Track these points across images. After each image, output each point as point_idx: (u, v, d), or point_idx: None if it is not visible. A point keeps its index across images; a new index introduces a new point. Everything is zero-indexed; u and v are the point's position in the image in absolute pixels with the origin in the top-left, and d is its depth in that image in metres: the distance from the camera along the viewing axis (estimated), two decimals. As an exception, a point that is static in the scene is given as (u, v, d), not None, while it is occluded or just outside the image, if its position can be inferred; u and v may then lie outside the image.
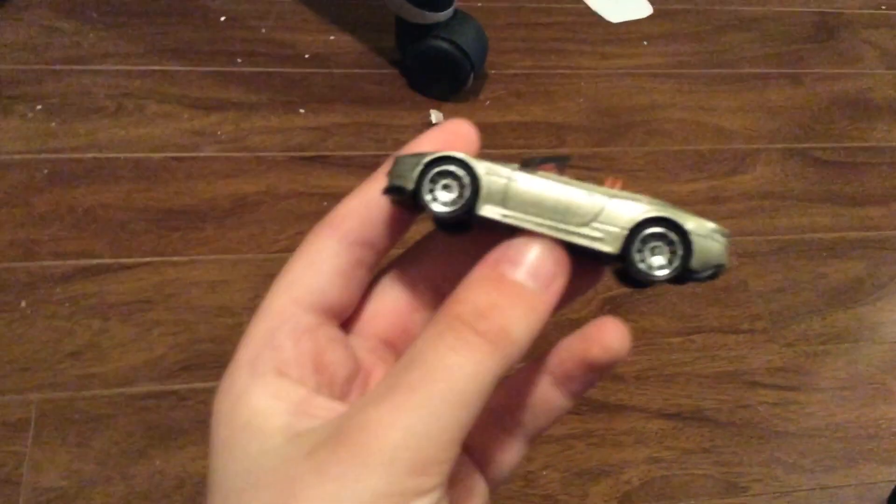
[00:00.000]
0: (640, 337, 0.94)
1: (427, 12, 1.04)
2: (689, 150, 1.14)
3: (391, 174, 0.26)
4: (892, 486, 0.85)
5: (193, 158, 1.00)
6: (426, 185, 0.25)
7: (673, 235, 0.24)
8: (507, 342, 0.23)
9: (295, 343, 0.25)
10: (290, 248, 0.95)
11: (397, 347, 0.28)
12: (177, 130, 1.03)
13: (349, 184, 1.03)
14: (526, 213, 0.24)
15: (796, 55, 1.31)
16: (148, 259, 0.90)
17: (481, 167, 0.25)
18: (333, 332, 0.27)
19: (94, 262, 0.89)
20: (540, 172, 0.25)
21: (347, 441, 0.21)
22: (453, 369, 0.22)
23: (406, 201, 0.26)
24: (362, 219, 0.27)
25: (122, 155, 0.99)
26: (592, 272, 0.27)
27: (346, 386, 0.26)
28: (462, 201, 0.25)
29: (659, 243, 0.24)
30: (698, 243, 0.24)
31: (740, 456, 0.87)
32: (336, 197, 1.07)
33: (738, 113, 1.21)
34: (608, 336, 0.26)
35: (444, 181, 0.25)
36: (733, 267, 1.02)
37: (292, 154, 1.03)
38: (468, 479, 0.27)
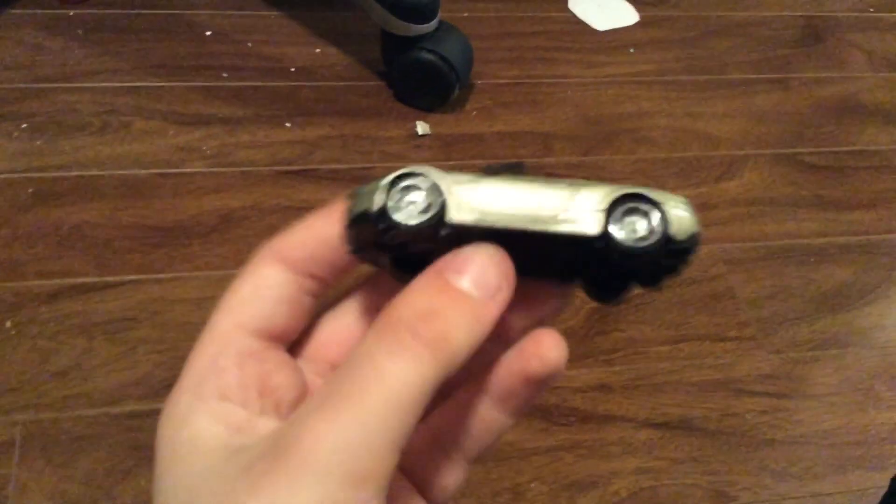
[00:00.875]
0: (628, 346, 0.94)
1: (412, 24, 1.04)
2: (677, 158, 1.14)
3: (351, 207, 0.25)
4: (881, 493, 0.85)
5: (179, 174, 1.00)
6: (393, 201, 0.24)
7: (648, 207, 0.24)
8: (447, 349, 0.22)
9: (239, 367, 0.25)
10: (277, 263, 0.95)
11: None
12: (162, 146, 1.03)
13: (335, 197, 1.03)
14: (497, 215, 0.24)
15: (783, 60, 1.31)
16: (133, 277, 0.90)
17: (446, 177, 0.25)
18: (280, 355, 0.27)
19: (79, 280, 0.89)
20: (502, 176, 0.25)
21: (281, 455, 0.21)
22: (389, 376, 0.21)
23: (366, 237, 0.25)
24: (312, 254, 0.26)
25: (107, 172, 0.99)
26: (560, 295, 0.27)
27: (294, 409, 0.26)
28: (433, 211, 0.24)
29: (635, 217, 0.25)
30: (672, 212, 0.25)
31: (729, 465, 0.87)
32: None
33: (726, 119, 1.21)
34: (545, 348, 0.25)
35: (410, 196, 0.24)
36: (721, 274, 1.02)
37: (278, 168, 1.03)
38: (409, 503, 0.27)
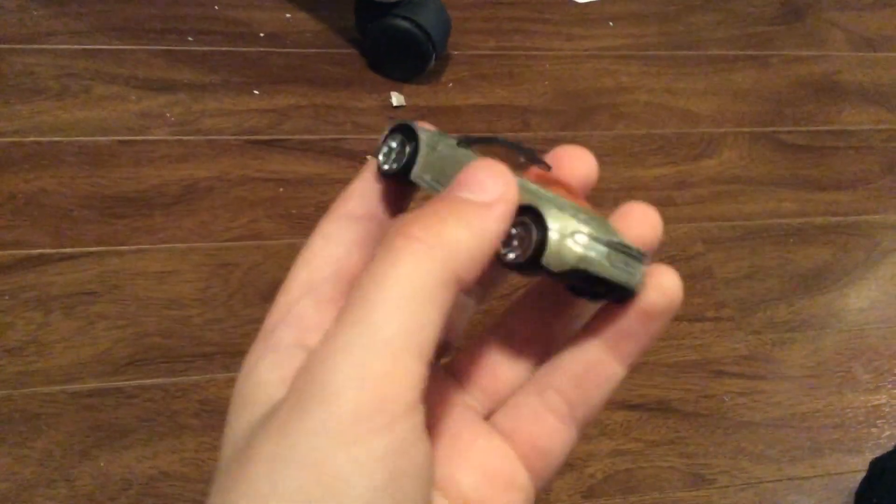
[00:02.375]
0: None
1: (387, -10, 1.00)
2: (656, 134, 1.12)
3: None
4: (857, 476, 0.84)
5: (142, 142, 0.96)
6: (383, 149, 0.28)
7: (533, 227, 0.23)
8: (444, 245, 0.21)
9: (318, 312, 0.25)
10: (245, 237, 0.92)
11: None
12: (124, 113, 0.98)
13: (307, 169, 0.99)
14: (438, 181, 0.26)
15: (763, 37, 1.29)
16: (92, 249, 0.86)
17: (426, 136, 0.27)
18: None
19: (36, 252, 0.85)
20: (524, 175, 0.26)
21: (296, 399, 0.21)
22: (388, 283, 0.21)
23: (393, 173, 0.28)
24: (362, 195, 0.28)
25: (65, 139, 0.94)
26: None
27: None
28: (400, 163, 0.27)
29: (519, 230, 0.24)
30: (557, 242, 0.23)
31: (706, 447, 0.85)
32: (293, 183, 1.03)
33: (705, 96, 1.19)
34: (665, 279, 0.24)
35: (394, 145, 0.28)
36: (699, 253, 1.01)
37: (246, 137, 0.99)
38: (506, 470, 0.26)
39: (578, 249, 0.23)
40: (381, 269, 0.21)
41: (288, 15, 1.12)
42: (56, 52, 1.02)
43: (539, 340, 0.28)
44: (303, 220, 0.93)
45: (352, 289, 0.22)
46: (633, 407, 0.87)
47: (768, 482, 0.84)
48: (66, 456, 0.74)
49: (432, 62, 1.07)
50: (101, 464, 0.75)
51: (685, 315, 0.94)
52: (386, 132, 0.28)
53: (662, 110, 1.15)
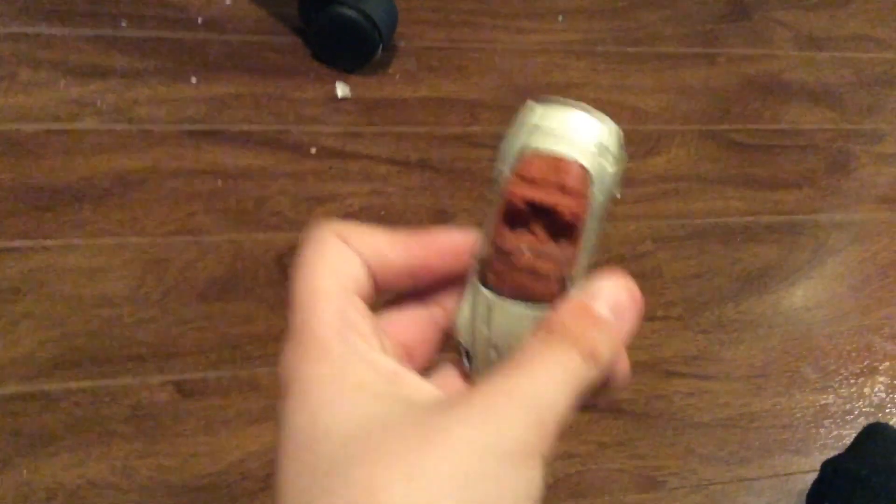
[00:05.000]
0: (555, 326, 0.90)
1: (332, -23, 0.97)
2: (605, 131, 1.10)
3: None
4: (806, 477, 0.84)
5: (70, 131, 0.90)
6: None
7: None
8: (596, 360, 0.26)
9: (366, 322, 0.27)
10: (180, 232, 0.87)
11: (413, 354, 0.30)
12: (52, 100, 0.93)
13: (247, 161, 0.94)
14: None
15: (711, 34, 1.29)
16: (16, 243, 0.81)
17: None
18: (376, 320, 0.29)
19: (-48, 246, 0.79)
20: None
21: (478, 398, 0.24)
22: (551, 372, 0.25)
23: None
24: (377, 251, 0.30)
25: (-13, 126, 0.88)
26: None
27: (423, 365, 0.30)
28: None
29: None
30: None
31: (656, 449, 0.84)
32: (232, 175, 0.97)
33: (654, 93, 1.18)
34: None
35: None
36: (649, 251, 1.00)
37: (182, 127, 0.94)
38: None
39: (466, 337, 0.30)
40: (553, 354, 0.26)
41: (227, 1, 1.08)
42: (-22, 34, 0.96)
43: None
44: (242, 215, 0.89)
45: (530, 349, 0.26)
46: (583, 408, 0.85)
47: (718, 483, 0.83)
48: (-16, 465, 0.69)
49: (379, 53, 1.04)
50: (24, 473, 0.70)
51: (635, 314, 0.93)
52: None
53: (612, 107, 1.14)
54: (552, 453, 0.25)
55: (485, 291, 0.28)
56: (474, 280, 0.29)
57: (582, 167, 0.27)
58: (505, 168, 0.28)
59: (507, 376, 0.25)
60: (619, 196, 0.29)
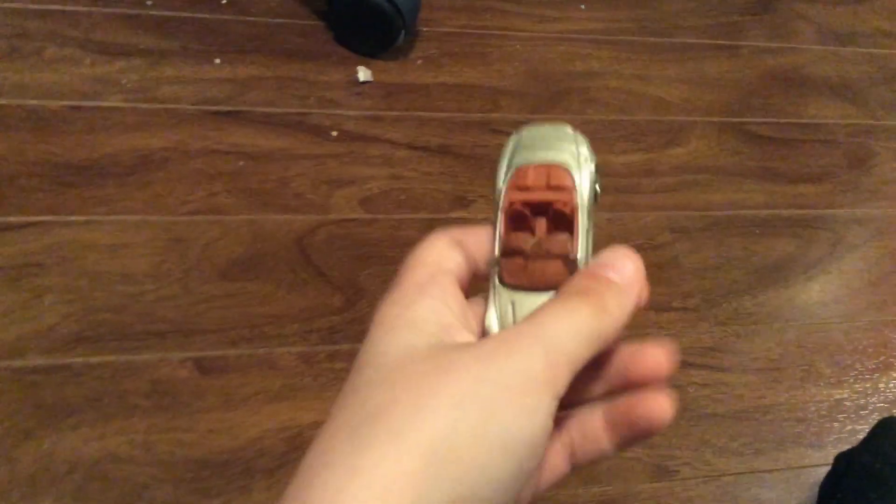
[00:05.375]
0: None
1: (356, -39, 0.97)
2: (626, 121, 1.10)
3: None
4: (818, 470, 0.84)
5: (95, 108, 0.91)
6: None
7: None
8: (607, 315, 0.30)
9: (453, 288, 0.32)
10: (201, 211, 0.88)
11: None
12: (77, 77, 0.93)
13: (269, 143, 0.94)
14: None
15: (734, 27, 1.28)
16: (40, 218, 0.82)
17: None
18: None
19: (-22, 220, 0.80)
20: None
21: (513, 337, 0.28)
22: (570, 319, 0.29)
23: None
24: (480, 251, 0.34)
25: (13, 102, 0.89)
26: None
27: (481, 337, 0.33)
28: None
29: None
30: None
31: (669, 439, 0.84)
32: (254, 157, 0.97)
33: (675, 84, 1.17)
34: (656, 406, 0.31)
35: None
36: (667, 242, 1.00)
37: (205, 108, 0.95)
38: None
39: None
40: (566, 307, 0.29)
41: (252, -18, 1.08)
42: (5, 10, 0.97)
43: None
44: (264, 196, 0.89)
45: (546, 305, 0.30)
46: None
47: (731, 475, 0.83)
48: (7, 436, 0.70)
49: (401, 38, 1.04)
50: (45, 445, 0.71)
51: (652, 304, 0.93)
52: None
53: (632, 96, 1.14)
54: (559, 395, 0.28)
55: (505, 290, 0.32)
56: (494, 283, 0.32)
57: (564, 167, 0.33)
58: (502, 186, 0.33)
59: (522, 325, 0.29)
60: (600, 191, 0.34)
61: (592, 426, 0.32)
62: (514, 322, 0.31)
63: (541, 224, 0.33)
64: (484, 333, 0.32)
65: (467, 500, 0.26)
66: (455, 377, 0.27)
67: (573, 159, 0.33)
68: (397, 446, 0.25)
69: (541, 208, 0.33)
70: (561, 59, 1.15)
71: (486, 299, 0.32)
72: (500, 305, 0.32)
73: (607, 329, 0.29)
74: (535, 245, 0.32)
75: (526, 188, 0.33)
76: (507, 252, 0.32)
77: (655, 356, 0.32)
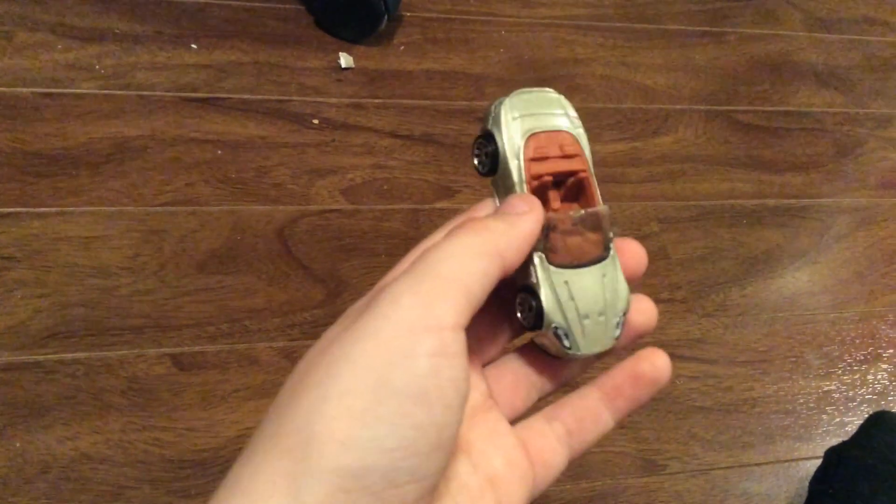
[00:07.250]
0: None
1: (337, -57, 0.94)
2: (612, 109, 1.09)
3: None
4: (807, 464, 0.83)
5: (67, 95, 0.88)
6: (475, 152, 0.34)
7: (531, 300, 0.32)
8: (488, 229, 0.29)
9: None
10: (178, 201, 0.85)
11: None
12: (49, 63, 0.90)
13: (247, 131, 0.91)
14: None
15: (720, 13, 1.27)
16: (10, 210, 0.79)
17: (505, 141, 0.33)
18: None
19: (-55, 211, 0.77)
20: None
21: (369, 310, 0.27)
22: (449, 245, 0.28)
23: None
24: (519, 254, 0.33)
25: (-19, 88, 0.86)
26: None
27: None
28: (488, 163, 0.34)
29: (527, 304, 0.32)
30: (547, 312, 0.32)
31: (658, 432, 0.83)
32: (232, 145, 0.94)
33: (662, 71, 1.16)
34: (657, 358, 0.33)
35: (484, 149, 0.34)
36: (654, 233, 0.98)
37: (182, 94, 0.92)
38: (524, 465, 0.32)
39: (559, 318, 0.32)
40: (443, 242, 0.28)
41: (230, -35, 1.05)
42: (-28, -7, 0.93)
43: (552, 369, 0.35)
44: (242, 186, 0.87)
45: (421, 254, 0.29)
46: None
47: (720, 468, 0.82)
48: (-24, 436, 0.68)
49: (384, 23, 1.01)
50: (17, 444, 0.68)
51: (639, 296, 0.91)
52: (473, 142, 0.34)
53: (619, 84, 1.12)
54: (457, 324, 0.27)
55: (557, 270, 0.32)
56: (544, 265, 0.32)
57: (568, 132, 0.33)
58: (516, 160, 0.32)
59: (397, 285, 0.28)
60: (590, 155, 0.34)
61: (587, 405, 0.34)
62: (574, 301, 0.32)
63: (556, 196, 0.33)
64: (545, 323, 0.32)
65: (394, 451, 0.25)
66: (363, 329, 0.27)
67: (570, 123, 0.33)
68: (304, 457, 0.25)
69: (561, 177, 0.33)
70: (546, 46, 1.13)
71: (521, 294, 0.32)
72: (554, 287, 0.32)
73: (488, 243, 0.29)
74: (575, 221, 0.32)
75: (545, 157, 0.32)
76: (545, 230, 0.32)
77: (642, 301, 0.35)
